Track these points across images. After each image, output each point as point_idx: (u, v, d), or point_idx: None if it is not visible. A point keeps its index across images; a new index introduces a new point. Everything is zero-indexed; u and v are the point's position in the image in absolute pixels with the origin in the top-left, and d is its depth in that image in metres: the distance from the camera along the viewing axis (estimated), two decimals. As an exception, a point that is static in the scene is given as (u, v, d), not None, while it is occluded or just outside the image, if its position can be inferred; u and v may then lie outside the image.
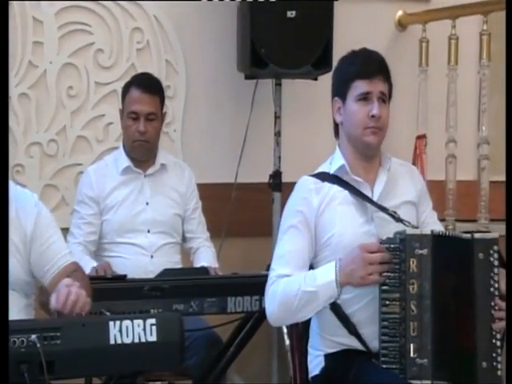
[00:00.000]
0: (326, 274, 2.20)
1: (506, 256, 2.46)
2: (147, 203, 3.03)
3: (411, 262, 2.18)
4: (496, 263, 2.21)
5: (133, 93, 3.01)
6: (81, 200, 3.04)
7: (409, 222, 2.27)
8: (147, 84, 3.03)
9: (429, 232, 2.22)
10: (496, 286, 2.21)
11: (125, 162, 3.04)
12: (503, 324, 2.20)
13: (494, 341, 2.20)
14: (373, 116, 2.27)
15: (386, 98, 2.30)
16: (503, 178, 3.70)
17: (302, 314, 2.27)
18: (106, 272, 2.80)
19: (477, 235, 2.24)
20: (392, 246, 2.19)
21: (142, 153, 3.04)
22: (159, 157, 3.08)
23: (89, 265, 2.87)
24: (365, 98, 2.28)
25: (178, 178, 3.12)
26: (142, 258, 2.99)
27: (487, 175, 3.44)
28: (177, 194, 3.09)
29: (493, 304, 2.20)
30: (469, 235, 2.23)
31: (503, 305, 2.20)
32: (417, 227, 2.26)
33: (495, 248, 2.21)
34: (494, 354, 2.19)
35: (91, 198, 3.01)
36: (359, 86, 2.27)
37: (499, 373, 2.19)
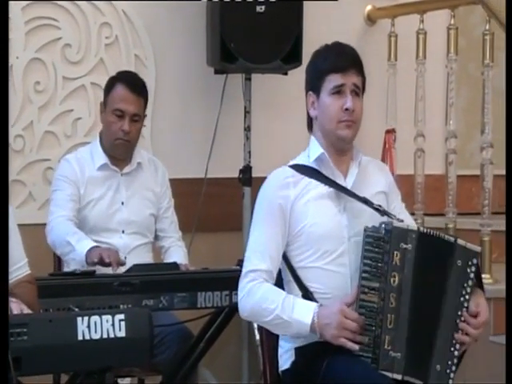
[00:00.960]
0: (304, 313, 2.21)
1: (506, 255, 2.49)
2: (122, 203, 3.01)
3: (395, 255, 2.19)
4: (471, 276, 2.23)
5: (120, 90, 2.97)
6: (63, 180, 2.95)
7: (394, 216, 2.28)
8: (135, 84, 3.00)
9: (415, 228, 2.24)
10: (467, 297, 2.23)
11: (102, 158, 3.00)
12: (465, 339, 2.22)
13: (452, 349, 2.22)
14: (346, 109, 2.27)
15: (359, 91, 2.31)
16: (470, 171, 3.76)
17: (271, 329, 2.31)
18: (116, 260, 2.71)
19: (460, 241, 2.25)
20: (377, 235, 2.20)
21: (123, 152, 3.01)
22: (135, 155, 3.06)
23: (86, 241, 2.79)
24: (338, 91, 2.28)
25: (152, 176, 3.09)
26: None
27: (455, 169, 3.46)
28: (152, 193, 3.07)
29: (459, 314, 2.22)
30: (452, 238, 2.25)
31: (471, 321, 2.22)
32: (402, 221, 2.27)
33: (474, 261, 2.24)
34: (449, 362, 2.21)
35: (73, 182, 2.95)
36: (333, 80, 2.28)
37: (450, 382, 2.21)
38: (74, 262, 2.82)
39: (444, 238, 2.25)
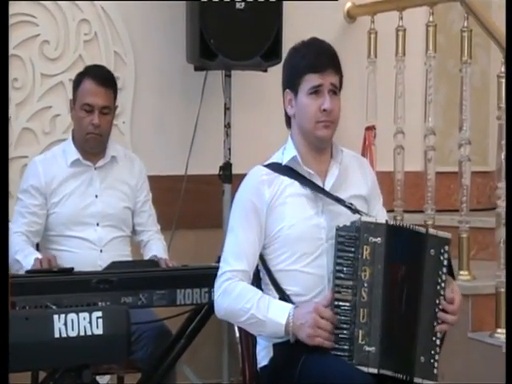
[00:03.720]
0: (279, 313, 2.21)
1: (506, 254, 2.50)
2: (96, 196, 3.00)
3: (364, 250, 2.19)
4: (445, 263, 2.24)
5: (87, 85, 2.96)
6: (25, 189, 2.99)
7: (365, 213, 2.29)
8: (102, 77, 2.99)
9: (383, 221, 2.24)
10: (443, 285, 2.24)
11: (74, 154, 3.01)
12: (445, 327, 2.24)
13: (433, 338, 2.23)
14: (324, 110, 2.27)
15: (337, 90, 2.31)
16: (449, 168, 3.78)
17: (247, 329, 2.31)
18: (51, 264, 2.75)
19: (431, 231, 2.27)
20: (348, 234, 2.20)
21: (95, 145, 3.00)
22: (109, 149, 3.05)
23: (32, 256, 2.83)
24: (316, 91, 2.28)
25: (127, 170, 3.09)
26: (90, 252, 2.96)
27: (434, 166, 3.48)
28: (127, 186, 3.07)
29: (437, 302, 2.23)
30: (423, 229, 2.26)
31: (449, 308, 2.23)
32: (372, 217, 2.27)
33: (446, 248, 2.24)
34: (432, 352, 2.22)
35: (37, 189, 2.97)
36: (310, 80, 2.27)
37: (435, 371, 2.22)
38: None
39: (414, 229, 2.26)
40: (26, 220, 2.95)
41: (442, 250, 2.25)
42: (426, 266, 2.23)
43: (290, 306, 2.23)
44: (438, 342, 2.23)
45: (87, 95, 2.94)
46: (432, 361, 2.21)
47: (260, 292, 2.27)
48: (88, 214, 2.97)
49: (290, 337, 2.23)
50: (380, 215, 2.36)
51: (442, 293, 2.24)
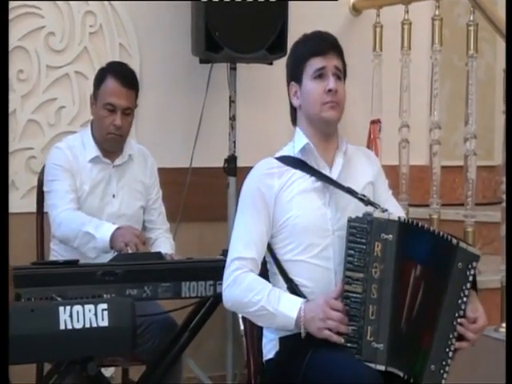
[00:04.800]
0: (290, 307, 2.21)
1: (505, 253, 2.49)
2: (114, 195, 2.99)
3: (376, 246, 2.18)
4: (471, 279, 2.21)
5: (110, 84, 2.92)
6: (59, 170, 2.91)
7: (378, 205, 2.28)
8: (126, 77, 2.95)
9: (396, 218, 2.22)
10: (465, 300, 2.21)
11: (94, 150, 2.96)
12: (464, 345, 2.21)
13: (447, 350, 2.21)
14: (329, 90, 2.27)
15: (341, 75, 2.32)
16: (454, 162, 3.77)
17: (254, 320, 2.30)
18: (138, 249, 2.70)
19: (462, 244, 2.22)
20: (360, 225, 2.20)
21: (114, 145, 2.98)
22: (127, 147, 3.03)
23: (105, 226, 2.78)
24: (320, 74, 2.29)
25: (142, 168, 3.06)
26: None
27: (439, 160, 3.47)
28: (141, 184, 3.05)
29: (456, 315, 2.21)
30: (455, 240, 2.22)
31: (471, 327, 2.20)
32: (386, 210, 2.26)
33: (474, 264, 2.22)
34: (443, 362, 2.20)
35: (68, 171, 2.92)
36: (314, 63, 2.29)
37: (443, 382, 2.20)
38: (95, 250, 2.80)
39: (437, 233, 2.23)
40: (71, 196, 2.88)
41: (470, 266, 2.21)
42: (451, 276, 2.20)
43: (300, 299, 2.23)
44: (450, 354, 2.20)
45: (110, 95, 2.91)
46: (442, 371, 2.19)
47: (270, 284, 2.27)
48: (105, 214, 2.94)
49: (299, 330, 2.22)
50: (384, 199, 2.35)
51: (462, 307, 2.21)
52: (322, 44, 2.30)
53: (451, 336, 2.20)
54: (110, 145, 2.98)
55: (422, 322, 2.21)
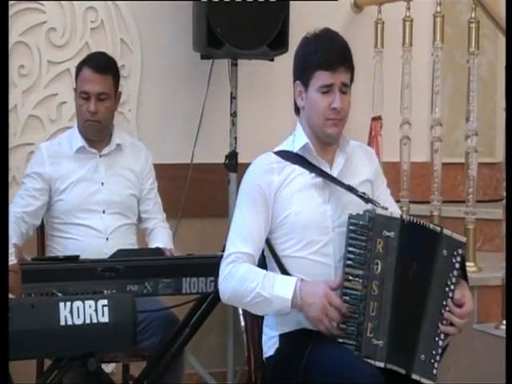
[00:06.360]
0: (285, 288, 2.21)
1: (505, 253, 2.49)
2: (102, 183, 3.00)
3: (377, 243, 2.19)
4: (457, 266, 2.23)
5: (84, 72, 2.97)
6: (29, 174, 3.00)
7: (378, 203, 2.28)
8: (99, 63, 2.99)
9: (398, 216, 2.23)
10: (452, 287, 2.22)
11: (79, 141, 3.00)
12: (450, 330, 2.22)
13: (436, 339, 2.21)
14: (334, 108, 2.27)
15: (347, 89, 2.31)
16: (455, 159, 3.77)
17: (252, 310, 2.30)
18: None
19: (446, 231, 2.24)
20: (361, 223, 2.20)
21: (93, 133, 3.00)
22: (115, 136, 3.05)
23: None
24: (327, 90, 2.28)
25: (133, 157, 3.08)
26: (96, 240, 2.96)
27: (440, 157, 3.47)
28: (132, 174, 3.07)
29: (444, 303, 2.22)
30: (438, 228, 2.24)
31: (456, 310, 2.22)
32: (386, 208, 2.27)
33: (459, 251, 2.23)
34: (433, 352, 2.21)
35: (40, 175, 2.97)
36: (321, 78, 2.27)
37: (434, 371, 2.21)
38: None
39: (429, 226, 2.25)
40: (23, 202, 2.95)
41: (455, 253, 2.23)
42: (436, 265, 2.22)
43: (294, 279, 2.22)
44: (440, 343, 2.21)
45: (84, 83, 2.95)
46: (432, 361, 2.20)
47: (264, 271, 2.27)
48: (94, 202, 2.97)
49: (298, 322, 2.23)
50: (383, 198, 2.36)
51: (450, 295, 2.22)
52: (333, 56, 2.26)
53: (439, 325, 2.21)
54: (89, 132, 2.99)
55: (413, 314, 2.21)
